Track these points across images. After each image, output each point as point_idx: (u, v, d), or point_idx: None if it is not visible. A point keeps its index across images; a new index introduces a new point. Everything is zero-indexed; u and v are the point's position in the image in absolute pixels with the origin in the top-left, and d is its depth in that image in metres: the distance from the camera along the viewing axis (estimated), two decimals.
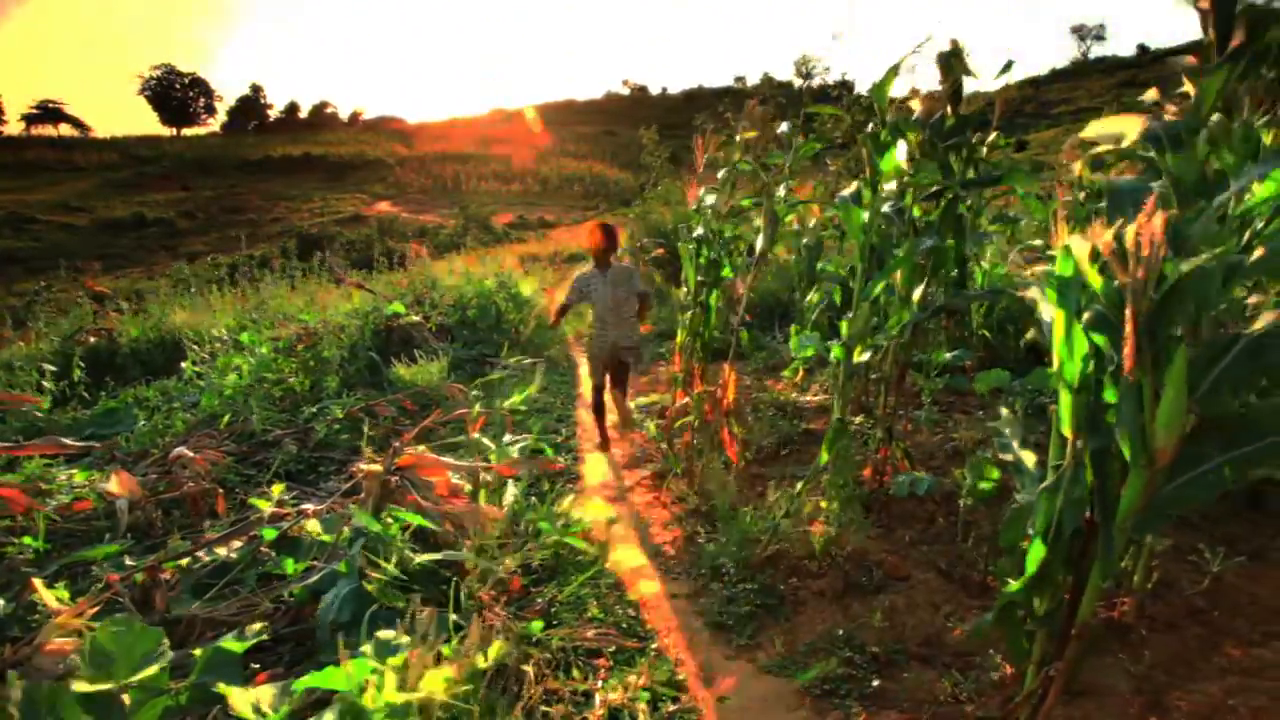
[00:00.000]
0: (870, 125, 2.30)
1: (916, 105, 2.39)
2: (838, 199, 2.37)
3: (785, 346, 5.89)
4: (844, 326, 2.42)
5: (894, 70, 2.26)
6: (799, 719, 2.08)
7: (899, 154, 2.22)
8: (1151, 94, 2.27)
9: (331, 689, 1.64)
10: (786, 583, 2.71)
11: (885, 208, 2.32)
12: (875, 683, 2.20)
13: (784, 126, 2.78)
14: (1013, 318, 4.99)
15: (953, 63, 2.28)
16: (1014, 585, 1.74)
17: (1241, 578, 2.67)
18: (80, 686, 1.48)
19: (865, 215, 2.29)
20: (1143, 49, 70.63)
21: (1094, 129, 1.82)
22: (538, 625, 1.89)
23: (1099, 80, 61.77)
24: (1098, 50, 78.66)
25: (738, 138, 3.09)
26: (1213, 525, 3.02)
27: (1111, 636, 2.36)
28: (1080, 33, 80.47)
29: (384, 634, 1.55)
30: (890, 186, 2.34)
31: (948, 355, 4.89)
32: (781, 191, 2.85)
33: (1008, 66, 2.22)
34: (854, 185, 2.36)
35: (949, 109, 2.37)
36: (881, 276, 2.26)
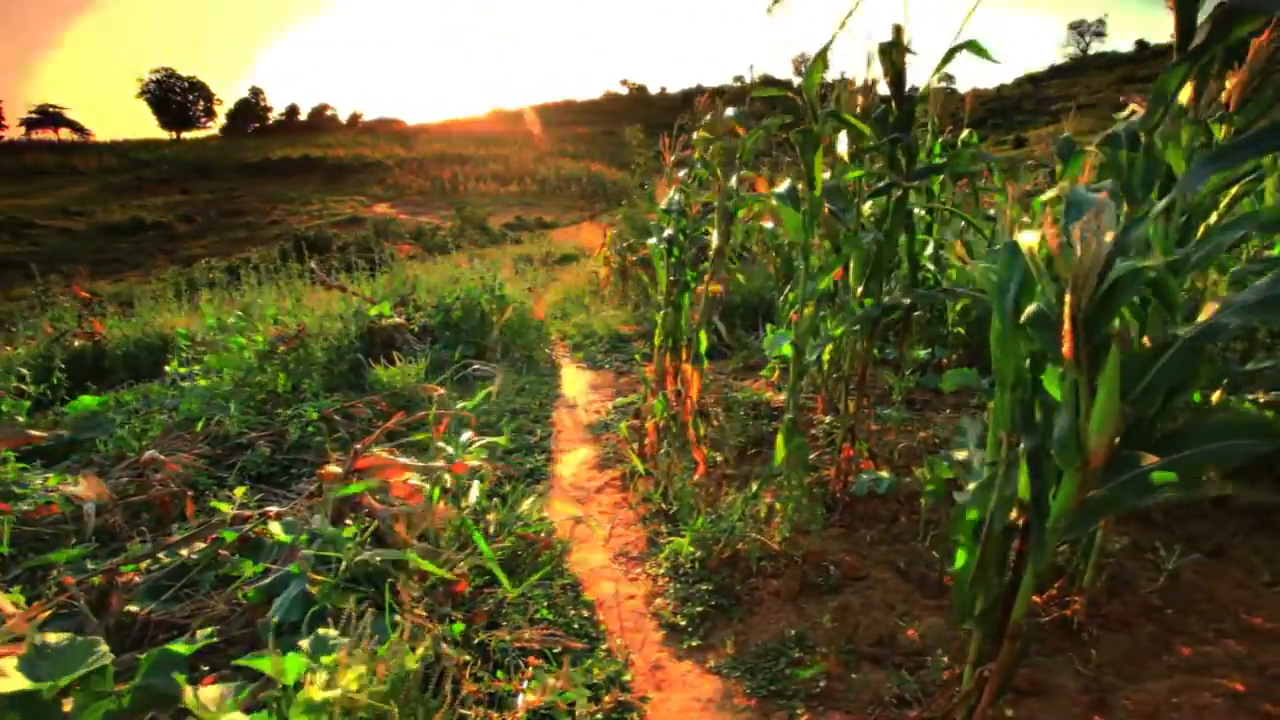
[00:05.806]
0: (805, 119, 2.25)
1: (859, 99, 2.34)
2: (773, 195, 2.34)
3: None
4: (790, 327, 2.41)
5: (821, 58, 2.19)
6: None
7: (840, 147, 2.19)
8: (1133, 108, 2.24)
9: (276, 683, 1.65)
10: (744, 583, 2.70)
11: (826, 205, 2.29)
12: (823, 683, 2.20)
13: (729, 112, 2.71)
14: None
15: (893, 54, 2.24)
16: (959, 600, 1.73)
17: (1200, 575, 2.66)
18: (8, 688, 1.48)
19: (802, 213, 2.26)
20: (1142, 45, 70.51)
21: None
22: (458, 628, 1.88)
23: (1098, 76, 61.67)
24: (1097, 46, 78.58)
25: (695, 134, 3.07)
26: (1175, 522, 3.01)
27: (1063, 635, 2.35)
28: (1079, 29, 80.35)
29: (324, 631, 1.56)
30: (827, 181, 2.29)
31: (923, 353, 4.88)
32: (733, 182, 2.79)
33: (948, 57, 2.15)
34: (787, 183, 2.33)
35: (894, 103, 2.33)
36: (822, 274, 2.25)
